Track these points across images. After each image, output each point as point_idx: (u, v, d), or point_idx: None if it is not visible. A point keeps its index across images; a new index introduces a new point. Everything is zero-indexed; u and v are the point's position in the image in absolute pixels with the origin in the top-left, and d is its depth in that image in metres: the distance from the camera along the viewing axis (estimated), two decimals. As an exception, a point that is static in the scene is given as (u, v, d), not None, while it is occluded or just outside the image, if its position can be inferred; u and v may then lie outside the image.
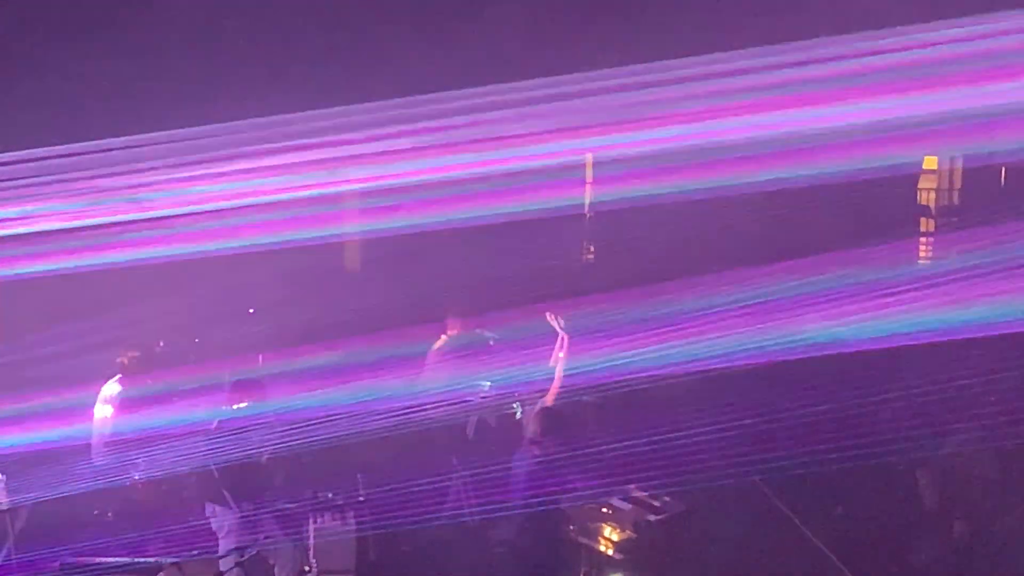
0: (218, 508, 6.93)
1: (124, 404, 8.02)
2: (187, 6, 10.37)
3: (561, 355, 7.08)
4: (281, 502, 7.00)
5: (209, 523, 6.98)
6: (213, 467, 6.90)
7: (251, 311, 10.89)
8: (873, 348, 7.85)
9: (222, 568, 6.76)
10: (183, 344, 10.33)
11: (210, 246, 9.90)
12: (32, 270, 9.22)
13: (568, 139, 9.83)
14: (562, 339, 7.13)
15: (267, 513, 6.94)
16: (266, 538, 6.88)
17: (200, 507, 7.06)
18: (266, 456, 7.08)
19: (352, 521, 7.13)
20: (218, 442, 6.95)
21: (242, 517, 6.83)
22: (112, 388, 8.11)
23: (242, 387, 7.26)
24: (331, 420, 7.51)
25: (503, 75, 9.23)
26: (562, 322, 7.14)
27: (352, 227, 13.22)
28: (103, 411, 8.08)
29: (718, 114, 9.13)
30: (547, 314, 7.24)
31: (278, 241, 10.71)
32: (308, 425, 7.43)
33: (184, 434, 7.40)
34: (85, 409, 8.15)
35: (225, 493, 6.86)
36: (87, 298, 9.89)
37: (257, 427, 7.03)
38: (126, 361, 8.18)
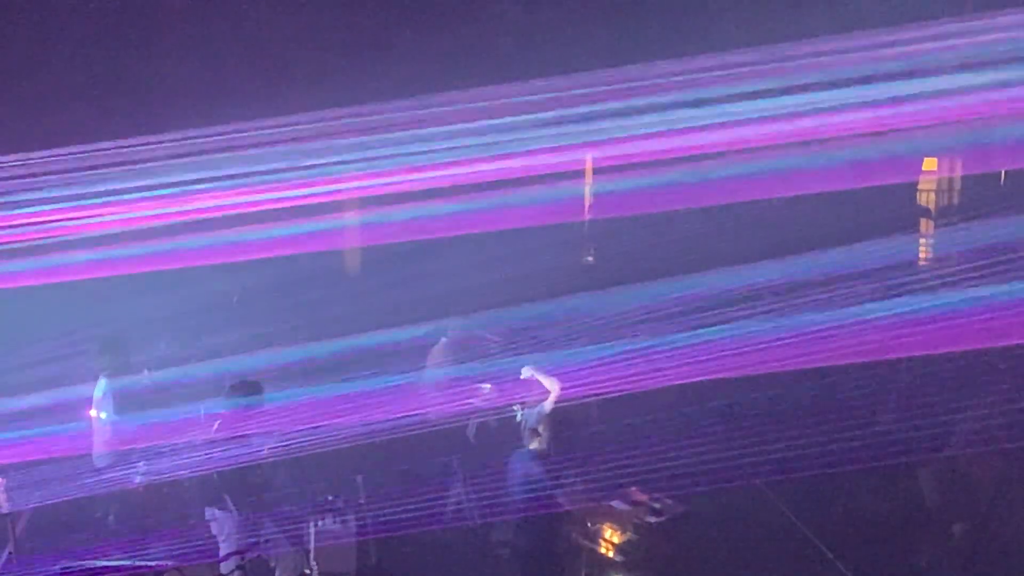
0: (218, 512, 6.93)
1: (117, 405, 7.99)
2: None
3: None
4: (282, 505, 7.00)
5: (210, 526, 6.98)
6: (213, 470, 6.89)
7: (235, 299, 10.81)
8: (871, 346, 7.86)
9: (223, 571, 6.77)
10: (185, 345, 10.32)
11: (212, 246, 9.94)
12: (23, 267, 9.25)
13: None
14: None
15: (267, 516, 6.94)
16: (267, 541, 6.88)
17: (201, 510, 7.06)
18: (266, 459, 7.08)
19: (353, 524, 7.13)
20: (218, 445, 6.94)
21: (242, 521, 6.83)
22: (99, 390, 8.08)
23: (242, 389, 7.25)
24: (331, 423, 7.51)
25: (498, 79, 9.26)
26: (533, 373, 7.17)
27: (352, 229, 13.23)
28: (99, 414, 8.06)
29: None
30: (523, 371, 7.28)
31: (279, 240, 10.73)
32: (308, 428, 7.43)
33: (185, 437, 7.40)
34: (83, 412, 8.15)
35: (225, 496, 6.86)
36: (86, 299, 9.89)
37: (257, 430, 7.03)
38: (116, 362, 8.16)
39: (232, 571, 6.73)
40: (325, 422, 7.54)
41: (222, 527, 6.90)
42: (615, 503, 7.33)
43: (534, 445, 6.66)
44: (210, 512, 6.96)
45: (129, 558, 6.73)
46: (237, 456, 6.82)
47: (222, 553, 6.82)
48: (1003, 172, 12.16)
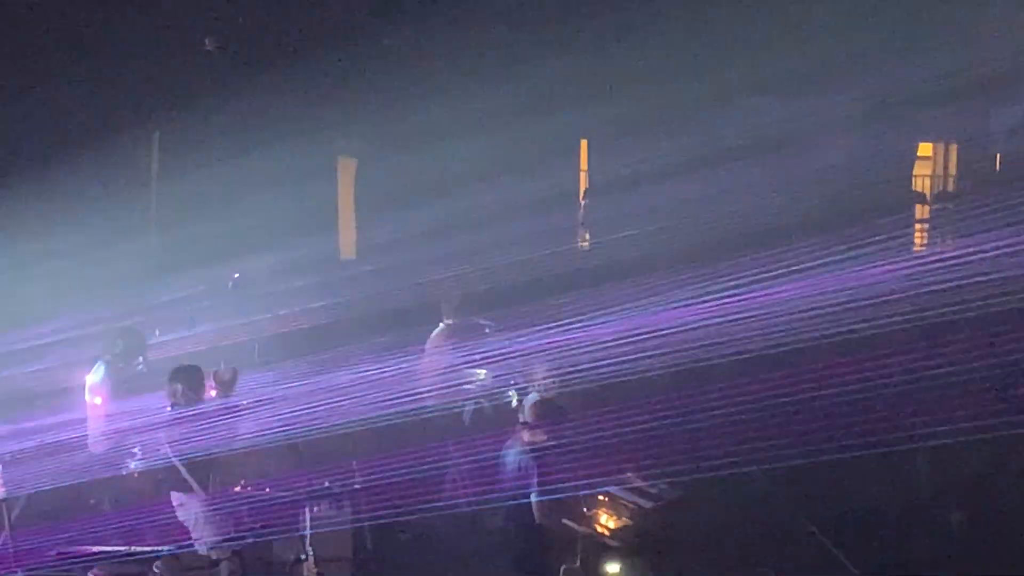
0: (184, 496, 6.89)
1: (114, 391, 7.98)
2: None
3: None
4: (275, 490, 6.99)
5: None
6: (187, 455, 6.85)
7: (230, 284, 10.73)
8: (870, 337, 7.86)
9: (215, 557, 6.76)
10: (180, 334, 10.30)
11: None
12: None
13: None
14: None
15: (247, 501, 6.91)
16: (262, 527, 6.86)
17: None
18: (241, 443, 7.06)
19: (348, 509, 7.13)
20: (204, 430, 6.93)
21: (214, 506, 6.79)
22: (97, 375, 8.07)
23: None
24: (326, 408, 7.52)
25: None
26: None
27: (349, 216, 13.24)
28: (93, 399, 8.05)
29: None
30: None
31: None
32: (303, 412, 7.43)
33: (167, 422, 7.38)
34: (78, 397, 8.14)
35: (192, 482, 6.82)
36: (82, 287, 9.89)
37: (240, 415, 7.03)
38: (117, 349, 8.15)
39: (228, 556, 6.73)
40: (320, 407, 7.54)
41: (189, 512, 6.87)
42: (611, 488, 7.32)
43: (527, 436, 6.66)
44: (176, 497, 6.93)
45: (124, 544, 6.74)
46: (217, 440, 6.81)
47: (194, 538, 6.79)
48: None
